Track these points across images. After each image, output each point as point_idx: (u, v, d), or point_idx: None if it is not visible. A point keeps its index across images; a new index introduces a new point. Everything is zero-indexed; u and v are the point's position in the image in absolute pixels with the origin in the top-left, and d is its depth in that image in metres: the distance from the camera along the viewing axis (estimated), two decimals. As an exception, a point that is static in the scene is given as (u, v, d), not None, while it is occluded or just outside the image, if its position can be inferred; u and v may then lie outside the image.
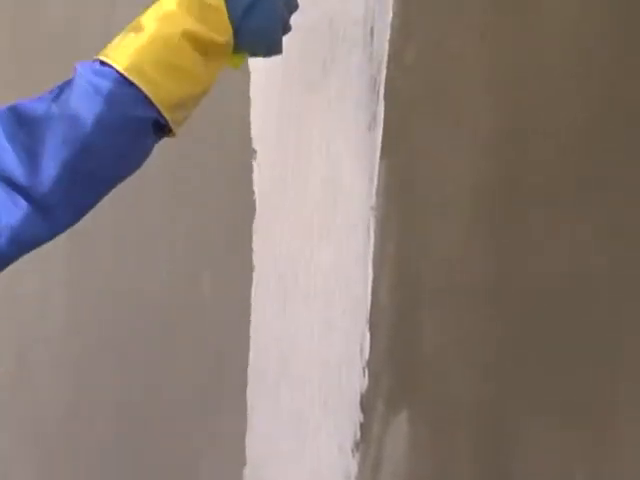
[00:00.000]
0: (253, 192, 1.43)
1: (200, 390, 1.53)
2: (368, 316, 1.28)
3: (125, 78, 0.85)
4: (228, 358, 1.48)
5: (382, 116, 1.26)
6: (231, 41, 0.91)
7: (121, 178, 0.89)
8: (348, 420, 1.30)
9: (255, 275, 1.42)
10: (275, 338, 1.40)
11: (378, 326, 1.27)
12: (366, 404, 1.28)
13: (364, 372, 1.29)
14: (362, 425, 1.29)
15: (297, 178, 1.36)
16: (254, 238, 1.41)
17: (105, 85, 0.85)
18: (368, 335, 1.28)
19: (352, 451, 1.30)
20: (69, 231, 0.90)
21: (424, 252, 1.22)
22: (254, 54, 0.97)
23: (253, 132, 1.43)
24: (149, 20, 0.88)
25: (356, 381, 1.29)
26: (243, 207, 1.43)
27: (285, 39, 0.96)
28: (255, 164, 1.43)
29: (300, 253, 1.36)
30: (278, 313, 1.39)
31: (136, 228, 1.64)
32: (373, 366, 1.28)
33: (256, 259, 1.42)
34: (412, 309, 1.23)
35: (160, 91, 0.86)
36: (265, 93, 1.42)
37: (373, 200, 1.27)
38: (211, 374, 1.52)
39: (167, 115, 0.87)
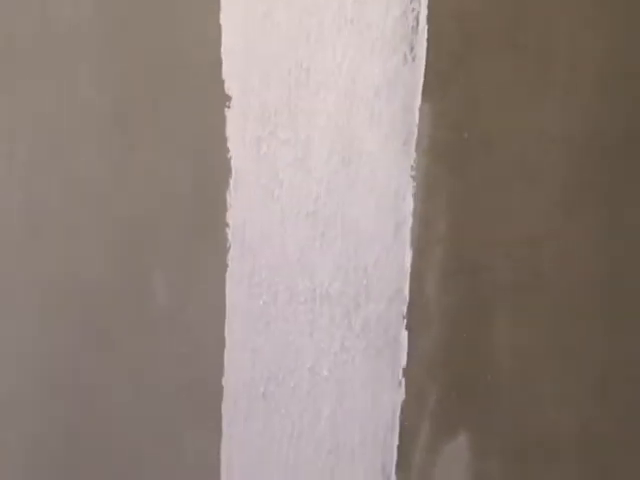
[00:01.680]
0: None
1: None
2: (405, 312, 0.97)
3: None
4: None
5: (424, 39, 0.93)
6: None
7: None
8: (382, 444, 0.99)
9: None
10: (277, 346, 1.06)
11: (421, 325, 0.95)
12: (404, 424, 0.98)
13: (400, 383, 0.98)
14: (400, 450, 0.99)
15: (298, 132, 1.02)
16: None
17: None
18: (405, 334, 0.97)
19: (385, 484, 1.00)
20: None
21: (491, 232, 0.91)
22: None
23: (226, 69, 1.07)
24: None
25: (390, 395, 0.98)
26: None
27: None
28: (230, 114, 1.07)
29: (310, 232, 1.02)
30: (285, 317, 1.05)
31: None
32: (414, 376, 0.97)
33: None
34: (473, 306, 0.93)
35: None
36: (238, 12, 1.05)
37: (412, 157, 0.95)
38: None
39: None
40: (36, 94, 1.26)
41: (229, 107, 1.06)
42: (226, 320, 1.10)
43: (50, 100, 1.24)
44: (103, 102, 1.19)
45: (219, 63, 1.06)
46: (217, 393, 1.13)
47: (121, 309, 1.18)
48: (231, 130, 1.06)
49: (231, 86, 1.05)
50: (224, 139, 1.07)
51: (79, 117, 1.21)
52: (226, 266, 1.08)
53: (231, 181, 1.07)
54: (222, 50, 1.06)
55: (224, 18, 1.05)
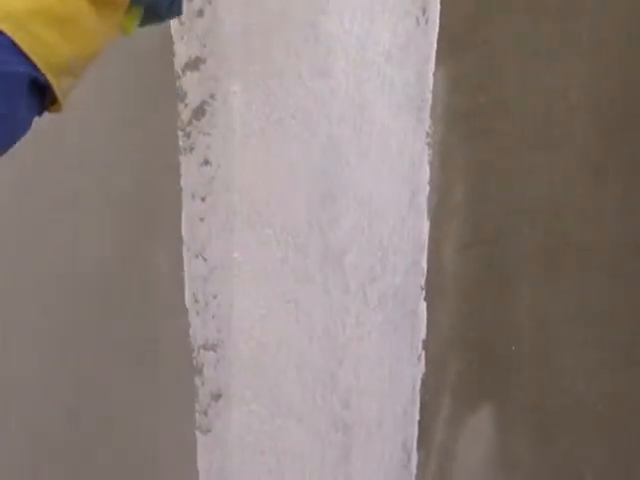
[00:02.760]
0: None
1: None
2: (423, 284, 0.94)
3: None
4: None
5: (437, 1, 0.89)
6: None
7: None
8: (402, 419, 0.97)
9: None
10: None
11: (440, 297, 0.93)
12: (425, 398, 0.96)
13: (419, 357, 0.96)
14: (420, 425, 0.96)
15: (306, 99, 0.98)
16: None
17: None
18: (424, 306, 0.95)
19: (406, 460, 0.98)
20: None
21: (511, 201, 0.88)
22: (150, 13, 0.75)
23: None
24: None
25: (410, 368, 0.96)
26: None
27: None
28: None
29: (321, 202, 0.99)
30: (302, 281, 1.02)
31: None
32: (433, 349, 0.95)
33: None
34: (494, 275, 0.90)
35: (39, 43, 0.63)
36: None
37: (427, 123, 0.92)
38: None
39: (50, 77, 0.65)
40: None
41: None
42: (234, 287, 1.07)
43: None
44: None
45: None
46: (227, 368, 1.10)
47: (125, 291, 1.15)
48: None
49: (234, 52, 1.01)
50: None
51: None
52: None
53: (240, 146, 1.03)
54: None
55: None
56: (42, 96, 0.67)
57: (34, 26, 0.64)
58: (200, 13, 1.02)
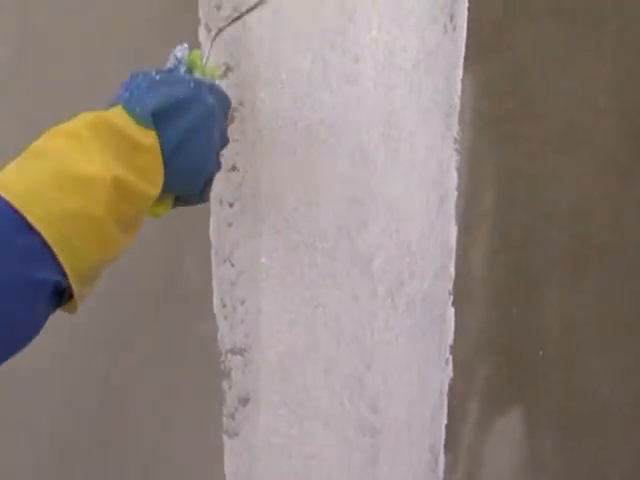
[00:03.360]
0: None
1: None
2: (451, 289, 0.95)
3: (25, 222, 0.61)
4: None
5: (465, 8, 0.90)
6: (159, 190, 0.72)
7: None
8: (429, 423, 0.98)
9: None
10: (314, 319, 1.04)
11: (468, 302, 0.94)
12: (453, 402, 0.96)
13: (447, 361, 0.96)
14: (448, 429, 0.97)
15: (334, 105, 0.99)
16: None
17: None
18: (452, 311, 0.95)
19: (434, 463, 0.98)
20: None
21: (538, 205, 0.89)
22: (177, 198, 0.79)
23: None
24: (61, 146, 0.66)
25: (438, 372, 0.97)
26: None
27: None
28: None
29: (349, 207, 1.00)
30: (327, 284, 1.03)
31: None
32: (461, 353, 0.95)
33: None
34: (522, 280, 0.91)
35: (71, 251, 0.63)
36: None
37: (455, 129, 0.92)
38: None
39: (75, 285, 0.65)
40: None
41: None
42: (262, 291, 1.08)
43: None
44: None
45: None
46: (255, 372, 1.11)
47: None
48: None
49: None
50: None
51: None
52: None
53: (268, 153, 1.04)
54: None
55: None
56: (60, 297, 0.66)
57: (69, 233, 0.63)
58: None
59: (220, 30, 0.95)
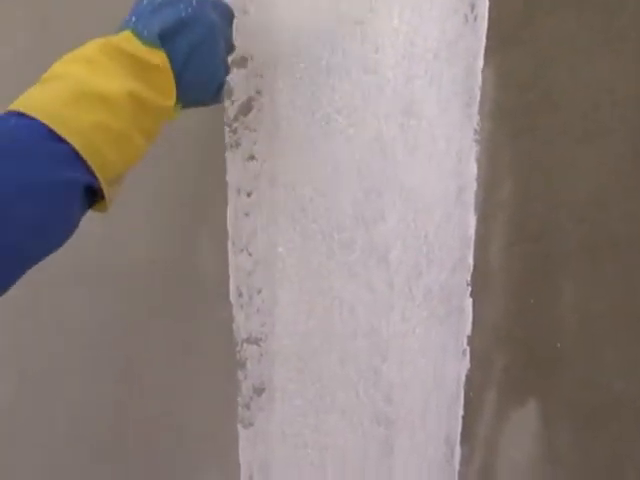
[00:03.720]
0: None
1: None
2: (469, 280, 0.95)
3: (53, 132, 0.67)
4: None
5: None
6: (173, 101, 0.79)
7: (37, 256, 0.69)
8: (446, 414, 0.98)
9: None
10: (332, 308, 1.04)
11: (486, 293, 0.93)
12: (469, 393, 0.96)
13: (464, 352, 0.96)
14: (464, 420, 0.97)
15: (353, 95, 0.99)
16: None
17: (25, 137, 0.66)
18: (470, 302, 0.95)
19: (450, 454, 0.98)
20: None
21: (556, 196, 0.88)
22: (192, 104, 0.85)
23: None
24: (77, 69, 0.72)
25: (455, 363, 0.97)
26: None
27: None
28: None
29: (366, 195, 1.00)
30: (343, 278, 1.03)
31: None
32: (479, 345, 0.95)
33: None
34: (540, 271, 0.90)
35: (100, 158, 0.70)
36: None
37: (475, 120, 0.92)
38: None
39: (104, 186, 0.71)
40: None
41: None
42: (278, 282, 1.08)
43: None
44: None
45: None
46: (270, 362, 1.11)
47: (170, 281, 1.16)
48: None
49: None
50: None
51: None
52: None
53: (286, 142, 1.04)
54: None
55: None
56: (92, 197, 0.73)
57: (97, 142, 0.70)
58: (245, 11, 1.03)
59: None
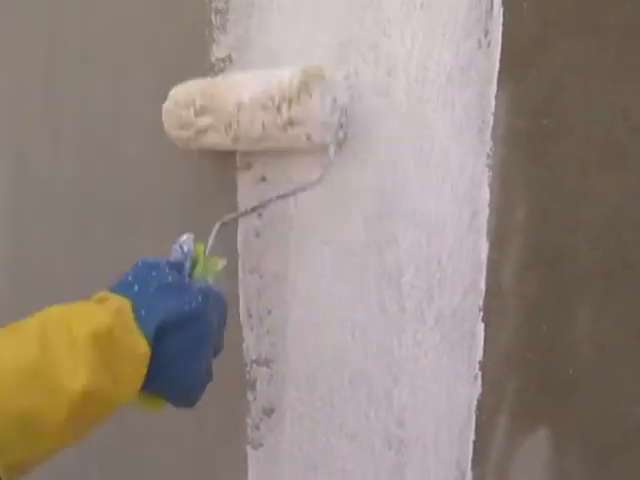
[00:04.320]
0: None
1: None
2: (481, 304, 0.94)
3: None
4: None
5: (500, 23, 0.89)
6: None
7: None
8: (457, 438, 0.97)
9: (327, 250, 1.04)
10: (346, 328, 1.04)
11: (498, 318, 0.93)
12: (481, 418, 0.96)
13: (476, 377, 0.96)
14: (475, 445, 0.96)
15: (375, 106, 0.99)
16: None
17: None
18: (481, 327, 0.95)
19: (461, 479, 0.98)
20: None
21: (570, 221, 0.88)
22: (165, 400, 0.82)
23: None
24: (49, 347, 0.67)
25: (466, 387, 0.96)
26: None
27: None
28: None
29: (379, 221, 0.99)
30: (353, 299, 1.02)
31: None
32: (490, 369, 0.95)
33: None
34: (553, 297, 0.90)
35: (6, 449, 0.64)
36: None
37: (488, 145, 0.92)
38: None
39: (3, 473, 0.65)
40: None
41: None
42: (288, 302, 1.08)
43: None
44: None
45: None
46: (280, 383, 1.11)
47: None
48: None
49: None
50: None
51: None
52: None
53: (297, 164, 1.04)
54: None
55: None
56: None
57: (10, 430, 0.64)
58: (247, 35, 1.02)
59: (223, 222, 0.97)
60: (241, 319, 1.12)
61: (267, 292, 1.10)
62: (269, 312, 1.10)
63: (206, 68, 1.13)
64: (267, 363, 1.12)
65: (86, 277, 1.33)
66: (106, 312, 0.72)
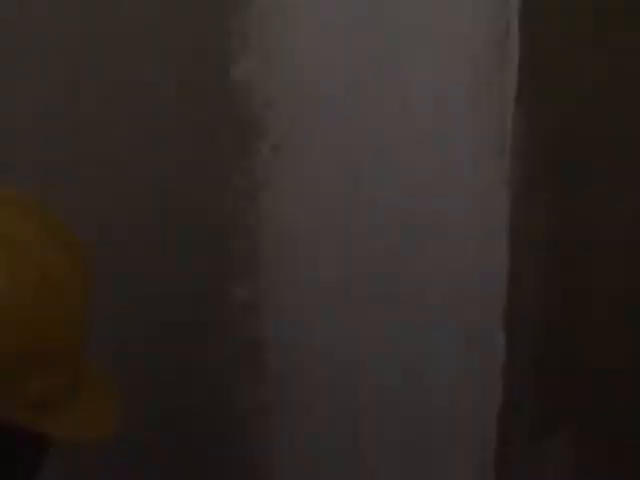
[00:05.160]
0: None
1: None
2: (502, 314, 0.98)
3: None
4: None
5: (516, 45, 0.92)
6: None
7: None
8: (479, 446, 1.01)
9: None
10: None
11: (519, 327, 0.97)
12: (502, 426, 0.99)
13: (498, 384, 0.99)
14: (497, 452, 1.00)
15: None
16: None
17: None
18: (502, 337, 0.98)
19: (484, 483, 1.01)
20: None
21: (590, 235, 0.91)
22: None
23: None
24: None
25: (488, 396, 1.00)
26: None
27: None
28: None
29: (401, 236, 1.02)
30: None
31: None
32: (512, 376, 0.98)
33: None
34: (572, 307, 0.93)
35: None
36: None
37: (507, 161, 0.95)
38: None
39: None
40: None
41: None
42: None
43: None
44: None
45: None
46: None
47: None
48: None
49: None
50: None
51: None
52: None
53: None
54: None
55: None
56: None
57: None
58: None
59: None
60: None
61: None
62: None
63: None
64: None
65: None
66: None
